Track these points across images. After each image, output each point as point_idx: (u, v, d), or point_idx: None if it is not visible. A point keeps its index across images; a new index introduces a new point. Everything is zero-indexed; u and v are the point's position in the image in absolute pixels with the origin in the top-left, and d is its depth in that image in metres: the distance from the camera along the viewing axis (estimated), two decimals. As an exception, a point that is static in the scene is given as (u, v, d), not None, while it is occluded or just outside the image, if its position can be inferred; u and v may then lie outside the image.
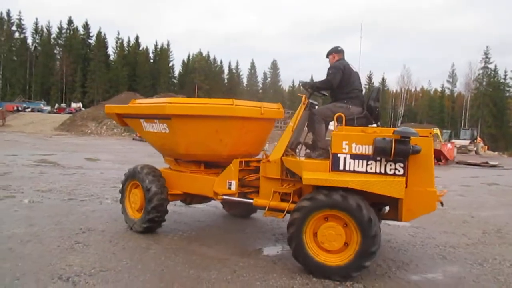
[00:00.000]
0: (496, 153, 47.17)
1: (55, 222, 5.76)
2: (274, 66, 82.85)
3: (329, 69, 5.05)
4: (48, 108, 56.08)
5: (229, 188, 4.97)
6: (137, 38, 76.19)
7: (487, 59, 72.10)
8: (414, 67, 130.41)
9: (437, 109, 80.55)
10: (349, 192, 3.93)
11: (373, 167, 4.11)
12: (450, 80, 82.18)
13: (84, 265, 4.13)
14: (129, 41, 76.36)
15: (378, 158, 4.06)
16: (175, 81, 78.33)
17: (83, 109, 50.00)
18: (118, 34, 76.89)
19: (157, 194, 5.16)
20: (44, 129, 36.64)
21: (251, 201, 4.87)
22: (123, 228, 5.57)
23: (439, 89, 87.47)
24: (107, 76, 68.76)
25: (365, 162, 4.13)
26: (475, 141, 42.72)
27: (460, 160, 25.11)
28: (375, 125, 5.08)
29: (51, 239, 4.94)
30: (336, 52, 5.20)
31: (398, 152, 3.86)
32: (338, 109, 4.71)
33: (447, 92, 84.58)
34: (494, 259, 4.98)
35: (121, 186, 5.81)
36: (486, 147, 46.05)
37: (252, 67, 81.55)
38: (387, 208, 4.72)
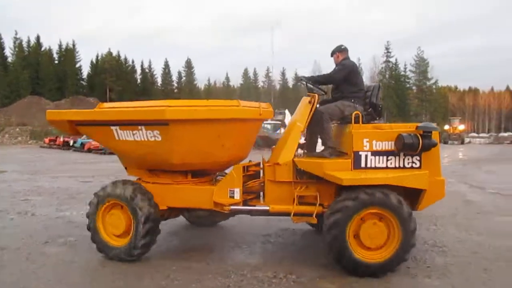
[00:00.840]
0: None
1: (-41, 244, 5.20)
2: (189, 64, 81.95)
3: (337, 65, 5.10)
4: None
5: (232, 197, 4.53)
6: (38, 38, 70.90)
7: (389, 53, 77.68)
8: (324, 62, 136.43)
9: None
10: (387, 189, 4.01)
11: (392, 162, 4.30)
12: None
13: (1, 288, 3.78)
14: (29, 41, 70.82)
15: (397, 153, 4.26)
16: (83, 83, 74.19)
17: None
18: (16, 34, 70.74)
19: (151, 213, 4.45)
20: None
21: (267, 208, 4.49)
22: (40, 244, 5.18)
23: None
24: (5, 79, 63.16)
25: (385, 158, 4.30)
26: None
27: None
28: (377, 121, 5.16)
29: (-43, 263, 4.45)
30: (339, 51, 5.17)
31: (425, 146, 4.11)
32: (346, 108, 4.77)
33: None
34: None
35: (89, 208, 4.69)
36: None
37: (166, 66, 79.96)
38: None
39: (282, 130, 31.89)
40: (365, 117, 4.76)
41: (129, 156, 4.82)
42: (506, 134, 52.87)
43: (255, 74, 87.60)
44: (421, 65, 75.41)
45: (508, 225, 6.33)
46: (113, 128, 4.51)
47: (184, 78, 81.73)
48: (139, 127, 4.40)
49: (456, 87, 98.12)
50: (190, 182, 4.79)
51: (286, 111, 32.23)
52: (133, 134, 4.44)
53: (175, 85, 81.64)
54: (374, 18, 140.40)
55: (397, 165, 4.31)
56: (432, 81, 75.92)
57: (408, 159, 4.30)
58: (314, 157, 4.66)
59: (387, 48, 77.55)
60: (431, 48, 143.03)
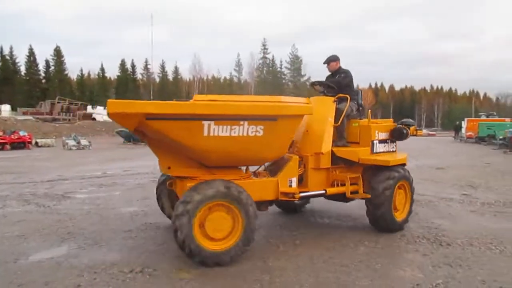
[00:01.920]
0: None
1: None
2: (58, 53, 75.48)
3: (341, 72, 6.07)
4: None
5: (290, 186, 4.94)
6: None
7: (266, 50, 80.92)
8: (204, 56, 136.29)
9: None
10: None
11: (386, 147, 5.85)
12: (237, 68, 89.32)
13: None
14: None
15: (390, 141, 5.88)
16: None
17: None
18: None
19: (255, 211, 4.37)
20: None
21: (324, 191, 5.31)
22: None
23: (228, 77, 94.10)
24: None
25: (383, 145, 5.79)
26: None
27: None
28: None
29: None
30: (336, 60, 6.21)
31: (408, 135, 5.77)
32: (353, 108, 5.89)
33: (235, 80, 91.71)
34: (267, 224, 5.74)
35: (178, 219, 4.00)
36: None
37: (31, 54, 72.56)
38: None
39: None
40: (355, 115, 5.98)
41: (213, 152, 4.31)
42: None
43: (133, 66, 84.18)
44: (296, 62, 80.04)
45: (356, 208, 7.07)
46: (205, 122, 4.07)
47: (52, 67, 75.04)
48: (241, 122, 4.21)
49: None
50: (250, 175, 4.96)
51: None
52: (231, 130, 4.19)
53: (43, 74, 74.64)
54: (252, 15, 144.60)
55: (387, 150, 5.87)
56: (306, 78, 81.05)
57: (391, 145, 5.93)
58: (341, 147, 5.59)
59: (264, 45, 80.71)
60: (304, 47, 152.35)
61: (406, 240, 5.11)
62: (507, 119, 39.18)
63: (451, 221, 6.18)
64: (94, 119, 46.08)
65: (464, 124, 39.74)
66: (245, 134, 4.25)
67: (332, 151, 5.41)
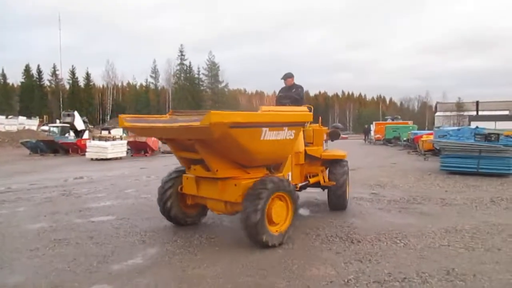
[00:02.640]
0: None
1: None
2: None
3: (297, 86, 7.31)
4: None
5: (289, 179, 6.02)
6: None
7: (183, 57, 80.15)
8: (118, 62, 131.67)
9: (144, 103, 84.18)
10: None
11: (325, 146, 7.33)
12: (153, 75, 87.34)
13: None
14: None
15: (326, 141, 7.31)
16: None
17: None
18: None
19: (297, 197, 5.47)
20: None
21: (307, 182, 6.91)
22: None
23: (144, 83, 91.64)
24: None
25: (325, 144, 7.28)
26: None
27: (165, 149, 27.14)
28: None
29: None
30: (292, 77, 7.35)
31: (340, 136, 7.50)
32: None
33: (152, 86, 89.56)
34: (186, 234, 5.66)
35: (253, 204, 4.77)
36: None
37: None
38: None
39: (72, 134, 29.62)
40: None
41: (259, 153, 5.05)
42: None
43: (39, 71, 78.73)
44: (213, 69, 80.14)
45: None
46: (263, 129, 4.87)
47: None
48: (284, 128, 5.17)
49: (245, 90, 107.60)
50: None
51: (76, 113, 29.92)
52: (277, 134, 5.07)
53: None
54: (168, 21, 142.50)
55: (327, 148, 7.27)
56: (224, 84, 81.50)
57: (326, 144, 7.31)
58: (306, 147, 6.83)
59: (181, 51, 79.89)
60: (221, 54, 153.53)
61: (321, 240, 5.32)
62: (410, 122, 42.65)
63: (361, 219, 6.55)
64: (-6, 129, 42.25)
65: (372, 127, 42.50)
66: (284, 137, 5.22)
67: (305, 150, 6.69)
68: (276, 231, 5.06)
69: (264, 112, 5.33)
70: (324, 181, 7.05)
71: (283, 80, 7.39)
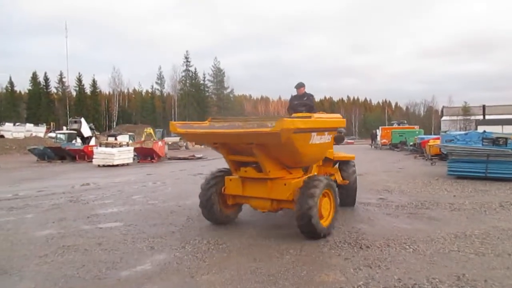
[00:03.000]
0: (202, 146, 53.41)
1: None
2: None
3: (309, 94, 7.99)
4: None
5: None
6: None
7: (188, 63, 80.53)
8: (124, 69, 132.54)
9: (150, 110, 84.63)
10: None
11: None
12: (159, 81, 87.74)
13: None
14: None
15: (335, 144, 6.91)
16: None
17: None
18: None
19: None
20: None
21: None
22: None
23: (150, 90, 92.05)
24: None
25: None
26: (184, 137, 47.12)
27: (172, 156, 27.23)
28: None
29: None
30: (304, 86, 7.98)
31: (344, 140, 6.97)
32: None
33: (157, 93, 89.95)
34: (194, 240, 5.66)
35: (311, 199, 5.40)
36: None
37: None
38: None
39: (79, 140, 29.76)
40: None
41: (306, 155, 5.78)
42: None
43: (46, 79, 79.34)
44: (218, 75, 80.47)
45: (280, 218, 7.20)
46: (313, 133, 5.58)
47: None
48: (325, 133, 5.90)
49: (250, 96, 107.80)
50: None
51: (82, 120, 30.08)
52: (320, 138, 5.79)
53: None
54: (174, 28, 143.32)
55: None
56: (229, 90, 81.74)
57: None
58: None
59: (186, 58, 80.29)
60: (226, 60, 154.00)
61: (329, 246, 5.29)
62: (416, 127, 42.49)
63: (369, 224, 6.51)
64: (2, 136, 42.45)
65: (379, 132, 42.36)
66: (324, 141, 5.89)
67: None
68: (324, 223, 5.68)
69: (316, 119, 5.89)
70: (340, 180, 7.73)
71: (296, 89, 8.05)
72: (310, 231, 5.51)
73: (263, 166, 5.62)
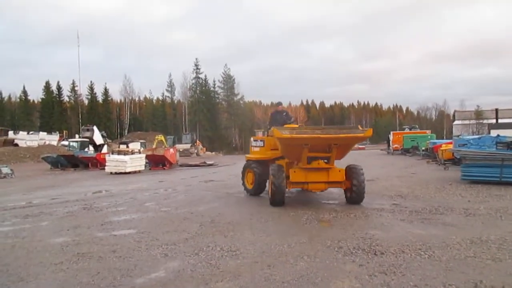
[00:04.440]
0: (213, 153, 53.66)
1: None
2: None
3: (286, 111, 11.51)
4: None
5: None
6: None
7: (198, 70, 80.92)
8: (135, 77, 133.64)
9: (160, 117, 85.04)
10: None
11: None
12: (169, 89, 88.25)
13: None
14: None
15: None
16: None
17: None
18: None
19: None
20: None
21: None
22: None
23: (161, 97, 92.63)
24: None
25: None
26: (195, 144, 47.34)
27: (183, 162, 27.33)
28: None
29: None
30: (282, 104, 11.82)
31: None
32: None
33: (168, 100, 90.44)
34: (208, 247, 5.67)
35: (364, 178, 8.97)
36: (205, 148, 51.80)
37: None
38: None
39: (91, 148, 30.05)
40: None
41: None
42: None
43: (59, 88, 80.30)
44: (228, 82, 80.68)
45: (293, 224, 7.17)
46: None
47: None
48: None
49: (260, 102, 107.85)
50: None
51: (95, 128, 30.39)
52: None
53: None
54: (184, 35, 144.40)
55: None
56: (239, 96, 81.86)
57: None
58: None
59: (196, 65, 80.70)
60: (236, 67, 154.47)
61: (343, 252, 5.26)
62: (428, 131, 42.12)
63: (383, 230, 6.45)
64: (16, 145, 43.06)
65: (391, 137, 42.04)
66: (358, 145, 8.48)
67: None
68: None
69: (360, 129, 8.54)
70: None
71: (277, 106, 11.79)
72: (361, 198, 8.84)
73: (332, 159, 8.74)
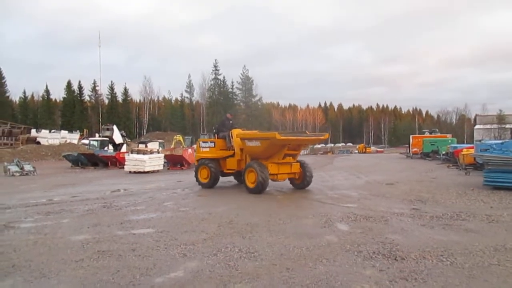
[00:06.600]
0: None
1: None
2: (-1, 75, 72.30)
3: (232, 119, 14.24)
4: None
5: None
6: None
7: (217, 71, 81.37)
8: (154, 77, 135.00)
9: (179, 117, 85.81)
10: None
11: None
12: (188, 90, 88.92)
13: None
14: None
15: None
16: None
17: None
18: None
19: None
20: None
21: None
22: None
23: (179, 98, 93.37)
24: None
25: None
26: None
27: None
28: None
29: None
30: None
31: None
32: None
33: (187, 101, 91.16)
34: (226, 248, 5.67)
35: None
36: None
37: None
38: None
39: (111, 147, 30.43)
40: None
41: None
42: (319, 146, 61.02)
43: (80, 87, 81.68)
44: (247, 83, 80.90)
45: (312, 226, 7.13)
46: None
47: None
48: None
49: (278, 104, 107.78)
50: None
51: (114, 127, 30.77)
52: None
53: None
54: (205, 39, 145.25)
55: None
56: (257, 98, 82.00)
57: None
58: None
59: (215, 66, 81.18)
60: (255, 69, 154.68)
61: (363, 257, 5.19)
62: (448, 135, 41.41)
63: (403, 235, 6.36)
64: (38, 143, 43.86)
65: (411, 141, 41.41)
66: None
67: None
68: None
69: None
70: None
71: (228, 114, 14.39)
72: (309, 185, 12.04)
73: (297, 156, 12.14)
